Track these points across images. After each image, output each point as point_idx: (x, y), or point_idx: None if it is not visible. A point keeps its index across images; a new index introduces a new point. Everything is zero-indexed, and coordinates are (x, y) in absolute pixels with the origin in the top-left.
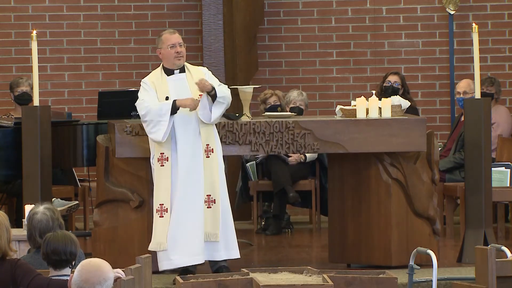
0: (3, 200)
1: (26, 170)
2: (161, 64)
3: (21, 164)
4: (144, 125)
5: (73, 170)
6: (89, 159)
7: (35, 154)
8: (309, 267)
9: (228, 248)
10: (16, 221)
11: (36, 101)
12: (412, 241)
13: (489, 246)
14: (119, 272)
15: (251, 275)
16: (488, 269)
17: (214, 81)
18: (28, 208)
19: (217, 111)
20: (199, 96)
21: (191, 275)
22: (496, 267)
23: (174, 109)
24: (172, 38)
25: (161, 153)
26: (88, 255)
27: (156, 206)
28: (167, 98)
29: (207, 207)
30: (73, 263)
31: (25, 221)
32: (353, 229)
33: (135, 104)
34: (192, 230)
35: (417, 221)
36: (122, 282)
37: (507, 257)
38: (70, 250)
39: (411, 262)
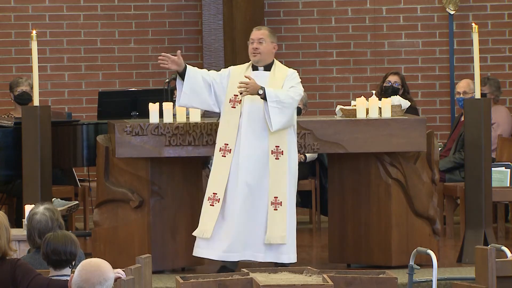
0: (3, 200)
1: (26, 170)
2: None
3: (21, 164)
4: None
5: (73, 170)
6: (89, 159)
7: (35, 154)
8: (309, 267)
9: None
10: (16, 221)
11: (36, 101)
12: (412, 241)
13: (489, 246)
14: (119, 272)
15: (251, 275)
16: (488, 269)
17: (288, 83)
18: (28, 208)
19: (276, 117)
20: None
21: (192, 275)
22: (496, 267)
23: (183, 71)
24: (252, 33)
25: (225, 144)
26: (88, 255)
27: (208, 194)
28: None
29: (274, 209)
30: (73, 263)
31: (25, 221)
32: (353, 229)
33: None
34: (252, 228)
35: (417, 221)
36: (122, 282)
37: (507, 257)
38: (70, 250)
39: (411, 262)
